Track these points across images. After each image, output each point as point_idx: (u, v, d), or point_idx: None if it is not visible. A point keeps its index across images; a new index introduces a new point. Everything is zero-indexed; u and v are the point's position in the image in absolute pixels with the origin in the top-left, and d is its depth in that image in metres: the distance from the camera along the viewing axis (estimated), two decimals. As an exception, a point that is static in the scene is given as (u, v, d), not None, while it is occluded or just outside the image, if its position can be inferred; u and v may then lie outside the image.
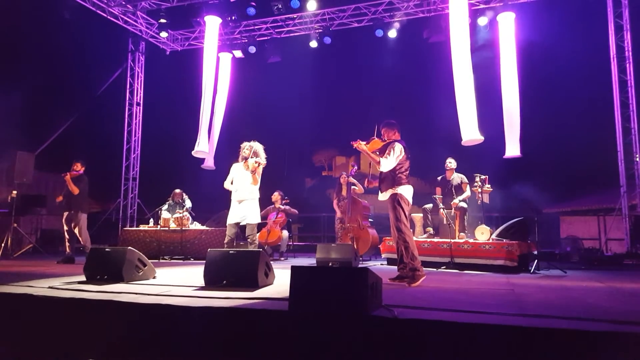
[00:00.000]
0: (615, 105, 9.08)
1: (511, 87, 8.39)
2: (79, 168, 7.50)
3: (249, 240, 5.89)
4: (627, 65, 9.03)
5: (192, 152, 9.62)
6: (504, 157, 8.39)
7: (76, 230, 7.41)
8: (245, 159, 5.93)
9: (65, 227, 7.44)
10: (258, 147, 6.03)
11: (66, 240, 7.43)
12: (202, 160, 10.00)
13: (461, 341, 2.47)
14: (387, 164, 4.73)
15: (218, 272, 4.07)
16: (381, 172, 4.86)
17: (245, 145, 6.02)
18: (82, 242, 7.45)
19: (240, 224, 5.91)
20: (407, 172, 4.85)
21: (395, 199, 4.72)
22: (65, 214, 7.42)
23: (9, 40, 9.65)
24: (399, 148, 4.76)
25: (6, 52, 9.87)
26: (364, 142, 4.95)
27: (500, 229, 6.53)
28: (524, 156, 8.34)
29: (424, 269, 4.73)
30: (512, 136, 8.31)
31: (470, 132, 7.67)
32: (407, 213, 4.74)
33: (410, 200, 4.83)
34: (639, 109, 8.92)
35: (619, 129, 9.01)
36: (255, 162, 5.84)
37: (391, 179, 4.79)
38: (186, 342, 2.93)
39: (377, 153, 4.87)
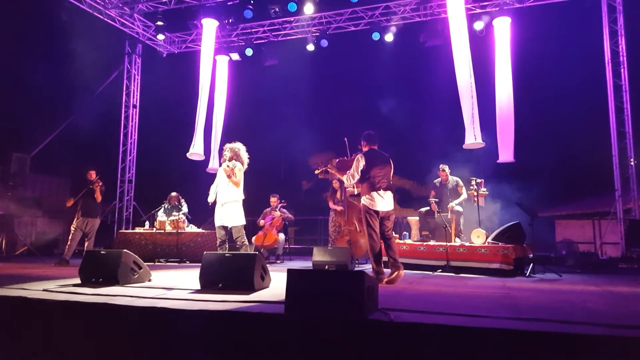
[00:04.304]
0: (610, 110, 9.13)
1: (505, 92, 8.43)
2: (94, 177, 7.53)
3: (237, 243, 5.86)
4: (622, 70, 9.09)
5: (187, 154, 9.64)
6: (498, 162, 8.44)
7: (90, 235, 7.44)
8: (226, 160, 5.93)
9: (72, 230, 7.38)
10: (238, 147, 5.96)
11: (68, 242, 7.37)
12: (199, 162, 10.00)
13: (457, 345, 2.47)
14: (350, 179, 4.98)
15: (214, 275, 4.06)
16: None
17: (227, 147, 5.97)
18: (87, 246, 7.40)
19: (228, 227, 5.87)
20: (378, 178, 4.87)
21: (362, 209, 4.96)
22: (81, 219, 7.40)
23: (5, 42, 9.62)
24: (357, 160, 4.93)
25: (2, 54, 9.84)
26: (335, 161, 5.45)
27: (496, 232, 6.53)
28: (519, 160, 8.38)
29: (418, 272, 4.78)
30: (505, 141, 8.35)
31: (473, 136, 7.72)
32: (372, 221, 4.84)
33: (380, 207, 4.87)
34: (633, 113, 8.98)
35: (613, 133, 9.06)
36: (227, 166, 5.80)
37: (361, 189, 5.00)
38: (181, 345, 2.91)
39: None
